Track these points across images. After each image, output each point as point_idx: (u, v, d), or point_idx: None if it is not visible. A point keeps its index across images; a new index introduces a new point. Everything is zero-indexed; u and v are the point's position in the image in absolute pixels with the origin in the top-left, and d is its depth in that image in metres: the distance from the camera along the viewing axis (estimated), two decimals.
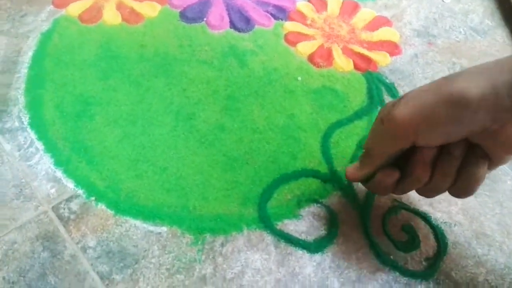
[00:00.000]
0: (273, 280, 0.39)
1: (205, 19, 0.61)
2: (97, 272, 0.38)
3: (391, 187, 0.38)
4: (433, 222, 0.44)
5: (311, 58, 0.57)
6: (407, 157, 0.37)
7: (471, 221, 0.45)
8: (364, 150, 0.40)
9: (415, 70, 0.57)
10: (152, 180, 0.45)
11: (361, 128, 0.51)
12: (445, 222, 0.44)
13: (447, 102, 0.30)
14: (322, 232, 0.43)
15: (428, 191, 0.38)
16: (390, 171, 0.37)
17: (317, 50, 0.58)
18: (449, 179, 0.35)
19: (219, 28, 0.60)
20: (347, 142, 0.50)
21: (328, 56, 0.58)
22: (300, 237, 0.42)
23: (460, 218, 0.45)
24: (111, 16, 0.59)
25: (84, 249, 0.40)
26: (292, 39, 0.59)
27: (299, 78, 0.55)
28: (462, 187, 0.36)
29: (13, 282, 0.38)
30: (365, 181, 0.41)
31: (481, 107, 0.29)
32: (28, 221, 0.41)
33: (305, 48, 0.58)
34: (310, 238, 0.42)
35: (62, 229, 0.41)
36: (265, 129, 0.50)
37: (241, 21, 0.61)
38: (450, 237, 0.43)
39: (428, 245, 0.43)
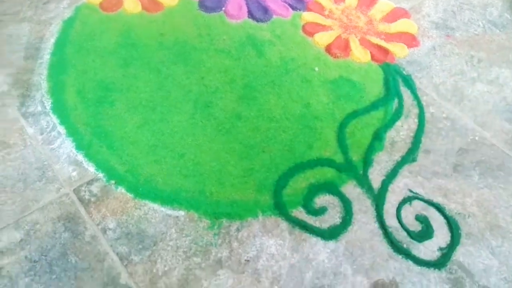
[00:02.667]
0: (287, 265, 0.40)
1: (223, 8, 0.61)
2: (117, 253, 0.39)
3: None
4: (447, 213, 0.44)
5: (328, 48, 0.58)
6: None
7: (485, 213, 0.45)
8: None
9: (433, 62, 0.57)
10: (170, 165, 0.46)
11: (377, 119, 0.51)
12: (459, 213, 0.45)
13: None
14: (336, 220, 0.43)
15: None
16: None
17: (335, 41, 0.58)
18: None
19: (237, 17, 0.60)
20: (363, 133, 0.50)
21: (346, 47, 0.58)
22: (314, 225, 0.43)
23: (474, 210, 0.45)
24: (131, 5, 0.60)
25: (104, 231, 0.41)
26: (310, 29, 0.60)
27: (316, 69, 0.55)
28: None
29: (35, 261, 0.39)
30: None
31: None
32: (50, 203, 0.42)
33: (322, 39, 0.59)
34: (324, 226, 0.43)
35: (83, 211, 0.42)
36: (282, 118, 0.50)
37: (259, 11, 0.61)
38: (463, 228, 0.44)
39: (441, 235, 0.43)
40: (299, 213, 0.43)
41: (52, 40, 0.55)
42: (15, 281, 0.38)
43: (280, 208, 0.44)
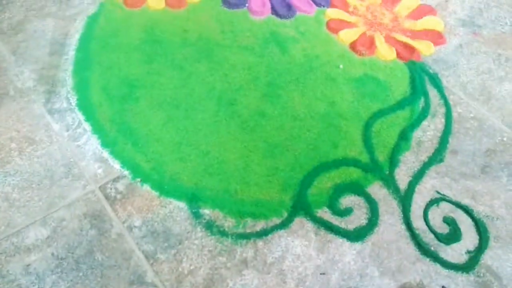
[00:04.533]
0: (313, 266, 0.40)
1: (247, 5, 0.61)
2: (142, 251, 0.40)
3: None
4: (475, 215, 0.44)
5: (353, 46, 0.57)
6: None
7: None
8: None
9: (460, 61, 0.56)
10: (195, 163, 0.45)
11: (403, 118, 0.51)
12: (487, 216, 0.44)
13: None
14: (362, 221, 0.43)
15: None
16: None
17: (359, 38, 0.58)
18: None
19: (261, 14, 0.60)
20: (389, 132, 0.49)
21: (371, 44, 0.57)
22: (340, 225, 0.42)
23: (503, 212, 0.44)
24: (154, 1, 0.60)
25: (130, 228, 0.41)
26: (334, 26, 0.59)
27: (341, 66, 0.55)
28: None
29: (61, 258, 0.39)
30: None
31: None
32: (77, 200, 0.42)
33: (347, 36, 0.58)
34: (350, 227, 0.42)
35: (108, 208, 0.42)
36: (306, 117, 0.50)
37: (282, 8, 0.60)
38: (492, 231, 0.43)
39: (469, 238, 0.42)
40: (325, 213, 0.43)
41: (77, 36, 0.55)
42: (42, 278, 0.38)
43: (305, 208, 0.43)
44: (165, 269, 0.39)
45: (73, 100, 0.49)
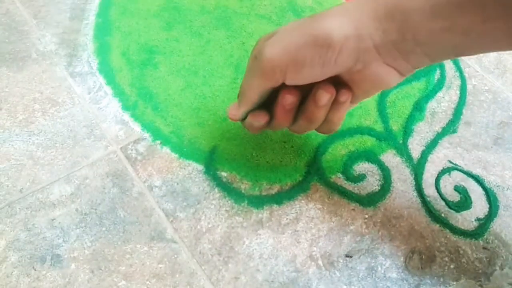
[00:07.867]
0: (326, 228, 0.41)
1: None
2: (163, 209, 0.41)
3: (262, 128, 0.39)
4: (486, 185, 0.45)
5: None
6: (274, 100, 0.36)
7: None
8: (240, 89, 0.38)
9: None
10: (213, 128, 0.47)
11: (418, 89, 0.51)
12: (498, 186, 0.45)
13: (312, 43, 0.29)
14: (375, 187, 0.44)
15: (296, 131, 0.40)
16: (259, 114, 0.38)
17: None
18: (314, 125, 0.37)
19: None
20: (404, 102, 0.50)
21: None
22: (353, 191, 0.44)
23: None
24: None
25: (150, 188, 0.42)
26: None
27: None
28: (327, 128, 0.38)
29: (85, 214, 0.41)
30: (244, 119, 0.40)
31: (344, 49, 0.29)
32: (99, 159, 0.44)
33: None
34: (363, 192, 0.44)
35: (130, 168, 0.43)
36: None
37: None
38: (502, 200, 0.44)
39: (479, 206, 0.43)
40: (338, 179, 0.44)
41: (97, 1, 0.56)
42: (66, 232, 0.40)
43: (319, 174, 0.45)
44: (184, 226, 0.40)
45: (94, 64, 0.50)
